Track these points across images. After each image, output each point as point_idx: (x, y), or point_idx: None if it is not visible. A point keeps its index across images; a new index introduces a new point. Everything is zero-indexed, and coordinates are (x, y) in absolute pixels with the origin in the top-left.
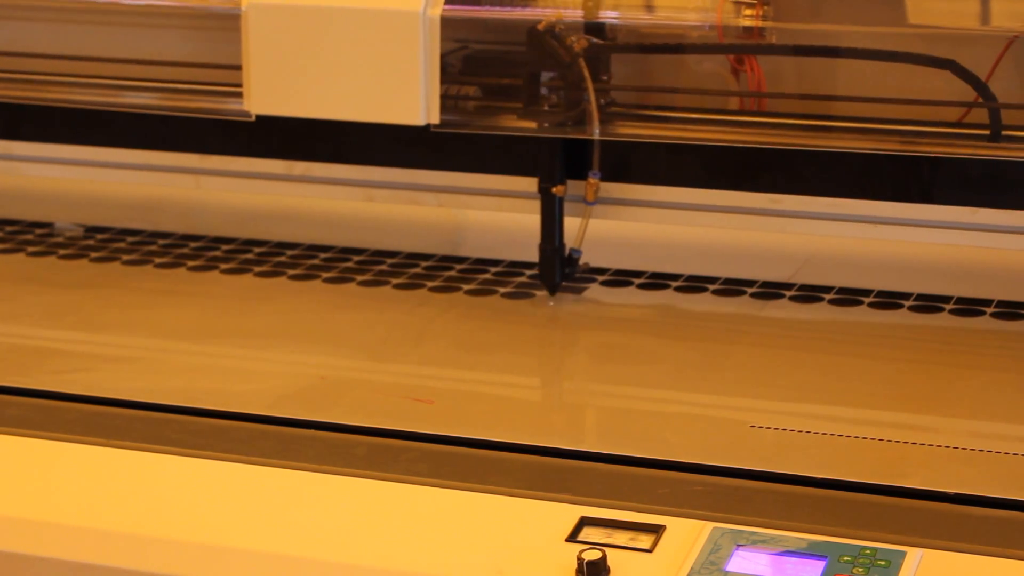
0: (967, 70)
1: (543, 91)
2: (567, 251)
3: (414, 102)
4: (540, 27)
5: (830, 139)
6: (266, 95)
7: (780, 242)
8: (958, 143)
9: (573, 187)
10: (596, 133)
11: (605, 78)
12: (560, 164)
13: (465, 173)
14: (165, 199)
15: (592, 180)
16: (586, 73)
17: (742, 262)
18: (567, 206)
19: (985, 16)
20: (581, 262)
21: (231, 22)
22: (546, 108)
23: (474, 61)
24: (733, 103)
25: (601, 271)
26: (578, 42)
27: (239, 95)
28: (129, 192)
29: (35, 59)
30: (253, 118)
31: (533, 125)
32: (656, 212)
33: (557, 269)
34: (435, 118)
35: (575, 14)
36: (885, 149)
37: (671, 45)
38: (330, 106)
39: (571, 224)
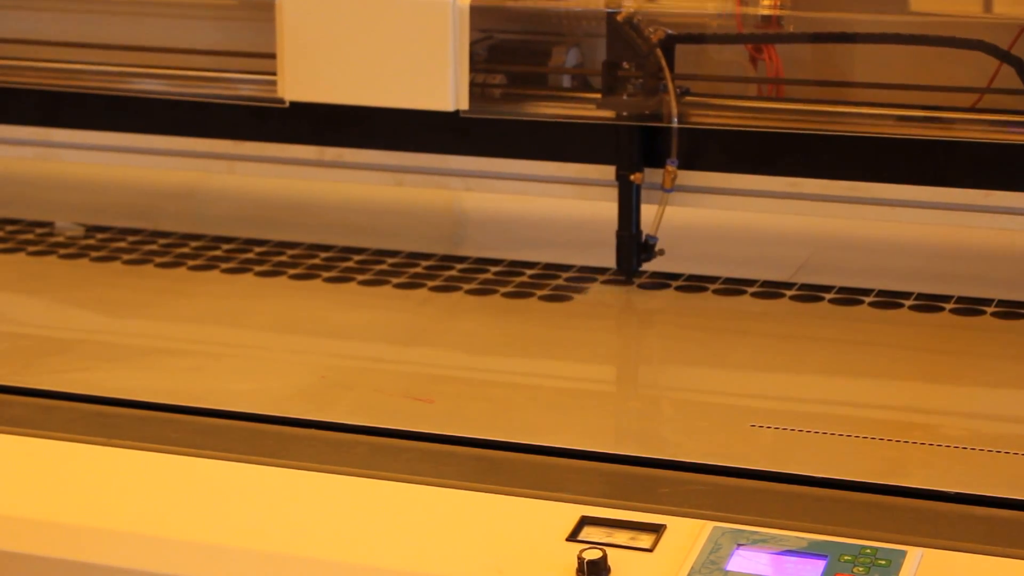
0: (1000, 48)
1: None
2: (643, 237)
3: (444, 88)
4: (619, 17)
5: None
6: (299, 82)
7: (795, 226)
8: (973, 127)
9: (576, 171)
10: (675, 121)
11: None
12: (638, 152)
13: (492, 158)
14: (168, 195)
15: (670, 168)
16: (663, 63)
17: (748, 256)
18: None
19: (989, 5)
20: (656, 248)
21: (266, 12)
22: (624, 97)
23: (500, 49)
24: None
25: (603, 270)
26: (655, 33)
27: (273, 82)
28: (129, 190)
29: (72, 48)
30: (287, 104)
31: (612, 114)
32: (677, 196)
33: (634, 255)
34: (464, 104)
35: (596, 2)
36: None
37: (747, 35)
38: (362, 92)
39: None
